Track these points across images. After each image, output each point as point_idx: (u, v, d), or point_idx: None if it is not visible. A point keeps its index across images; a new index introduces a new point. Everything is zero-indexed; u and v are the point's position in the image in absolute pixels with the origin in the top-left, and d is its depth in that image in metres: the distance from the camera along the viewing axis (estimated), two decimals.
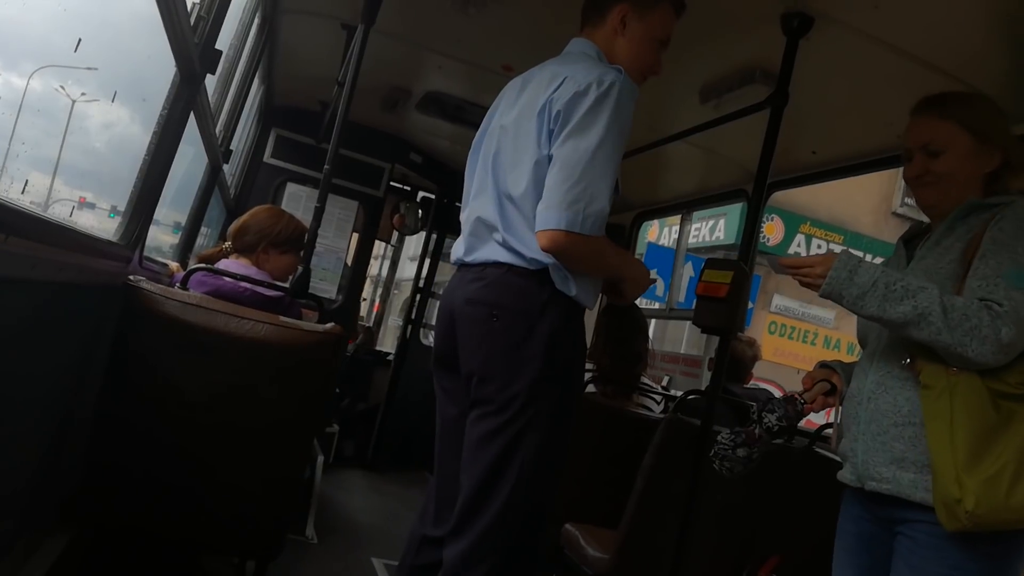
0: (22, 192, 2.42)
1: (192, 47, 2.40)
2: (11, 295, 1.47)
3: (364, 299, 9.07)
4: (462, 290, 2.19)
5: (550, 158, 2.06)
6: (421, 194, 6.86)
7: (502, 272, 2.11)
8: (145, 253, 2.68)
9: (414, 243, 10.86)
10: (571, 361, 2.16)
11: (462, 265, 2.25)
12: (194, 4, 2.40)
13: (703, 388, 4.09)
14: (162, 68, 2.48)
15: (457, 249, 2.30)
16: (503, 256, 2.11)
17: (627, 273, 2.32)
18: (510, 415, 2.07)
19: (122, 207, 2.54)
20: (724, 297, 2.53)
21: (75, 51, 2.24)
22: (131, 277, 2.40)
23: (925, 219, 2.21)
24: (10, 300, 1.47)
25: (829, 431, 3.40)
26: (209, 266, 2.89)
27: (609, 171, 2.06)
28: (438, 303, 2.94)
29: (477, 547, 2.08)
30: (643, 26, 2.28)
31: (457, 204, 3.65)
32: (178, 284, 2.73)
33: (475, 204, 2.24)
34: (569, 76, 2.09)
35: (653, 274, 2.53)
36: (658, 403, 3.92)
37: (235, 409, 2.48)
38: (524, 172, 2.09)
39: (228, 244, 3.14)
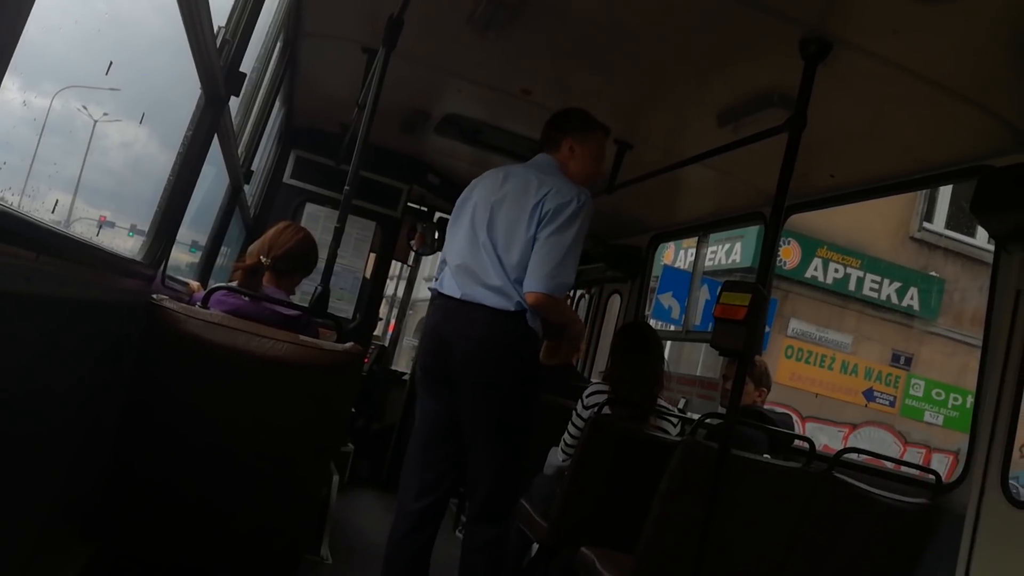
0: (52, 212, 2.46)
1: (217, 70, 2.44)
2: (40, 313, 1.49)
3: (380, 319, 9.09)
4: (460, 323, 3.00)
5: (535, 238, 2.97)
6: (438, 215, 6.90)
7: (495, 314, 2.96)
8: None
9: (430, 264, 10.89)
10: (535, 369, 3.08)
11: (454, 299, 3.02)
12: (220, 27, 2.45)
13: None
14: (181, 88, 2.52)
15: (447, 285, 3.08)
16: (493, 302, 2.96)
17: (574, 326, 3.24)
18: (507, 408, 3.01)
19: (140, 226, 2.57)
20: (742, 320, 2.53)
21: (106, 74, 2.28)
22: (154, 296, 2.43)
23: (943, 246, 2.05)
24: (39, 318, 1.50)
25: (849, 456, 3.39)
26: (228, 285, 2.92)
27: (576, 259, 3.02)
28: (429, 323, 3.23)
29: (499, 503, 3.07)
30: (584, 149, 3.23)
31: None
32: (199, 303, 2.75)
33: (467, 256, 3.05)
34: (554, 188, 3.02)
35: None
36: (675, 425, 3.89)
37: (255, 427, 2.49)
38: (518, 248, 2.98)
39: (267, 259, 3.11)
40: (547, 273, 2.93)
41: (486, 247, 3.02)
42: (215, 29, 2.35)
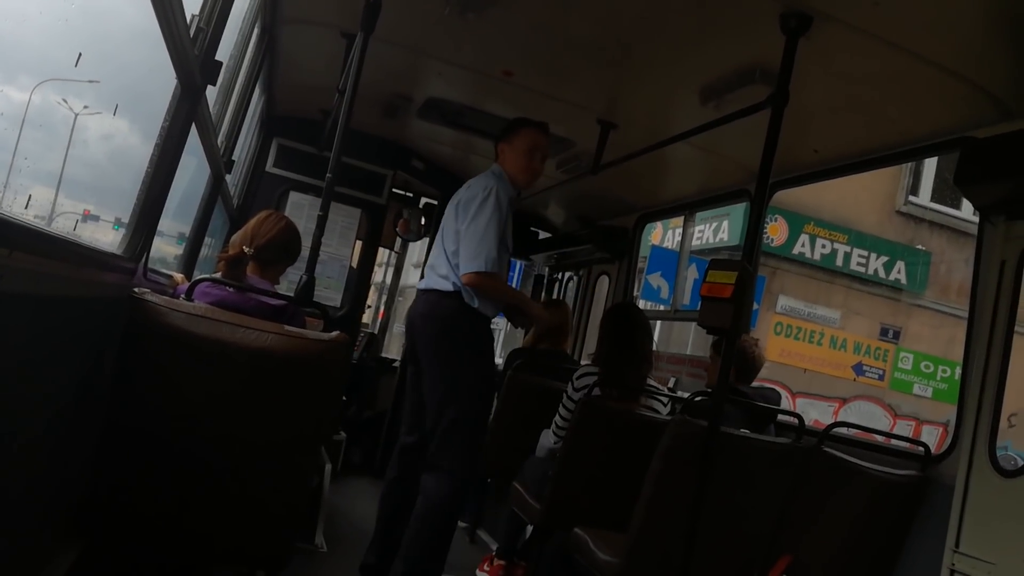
0: (25, 207, 2.42)
1: (192, 59, 2.41)
2: (17, 310, 1.47)
3: (369, 306, 9.06)
4: (416, 305, 3.61)
5: (459, 231, 3.49)
6: (424, 200, 6.86)
7: (437, 294, 3.52)
8: (150, 265, 2.68)
9: (418, 249, 10.86)
10: (471, 341, 3.54)
11: (419, 289, 3.63)
12: (193, 16, 2.41)
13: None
14: (162, 78, 2.48)
15: (419, 281, 3.67)
16: (438, 285, 3.52)
17: (526, 307, 3.81)
18: (449, 372, 3.48)
19: (126, 219, 2.54)
20: (729, 297, 2.52)
21: (76, 65, 2.24)
22: (136, 290, 2.40)
23: (929, 219, 2.12)
24: (16, 315, 1.47)
25: (838, 430, 3.40)
26: (212, 276, 2.89)
27: (494, 238, 3.43)
28: None
29: (442, 458, 3.45)
30: (512, 148, 3.68)
31: None
32: (183, 295, 2.72)
33: (432, 255, 3.69)
34: (469, 185, 3.60)
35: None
36: (665, 405, 3.90)
37: (241, 419, 2.48)
38: (452, 240, 3.53)
39: (250, 249, 3.07)
40: (471, 255, 3.43)
41: (439, 245, 3.62)
42: (188, 18, 2.31)
